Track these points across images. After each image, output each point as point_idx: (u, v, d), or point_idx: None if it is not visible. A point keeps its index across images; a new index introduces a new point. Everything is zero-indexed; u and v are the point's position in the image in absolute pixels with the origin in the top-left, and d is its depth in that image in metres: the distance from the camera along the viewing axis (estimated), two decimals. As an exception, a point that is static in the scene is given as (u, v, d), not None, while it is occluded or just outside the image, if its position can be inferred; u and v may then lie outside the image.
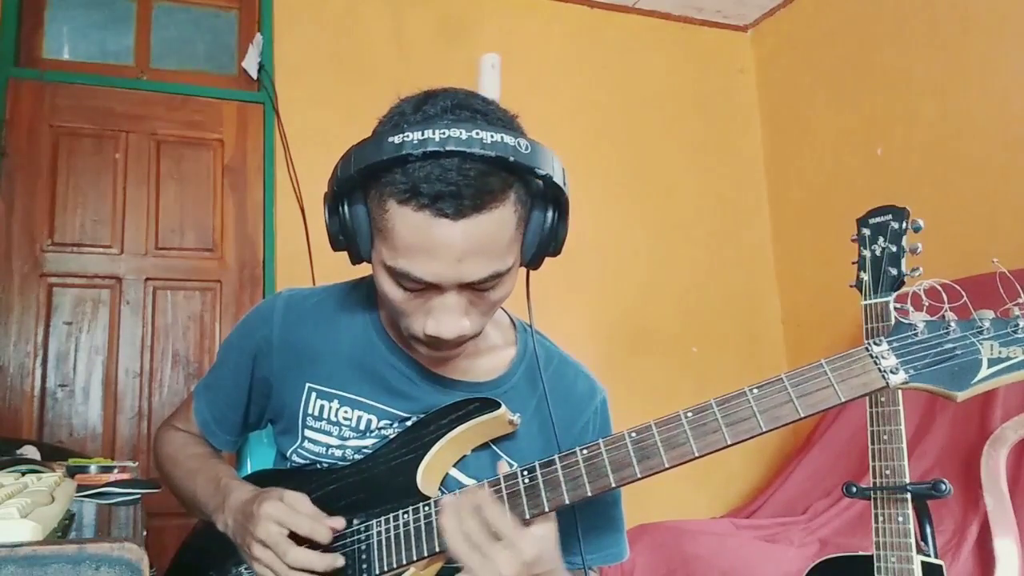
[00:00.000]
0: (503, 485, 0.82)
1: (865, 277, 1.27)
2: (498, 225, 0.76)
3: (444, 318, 0.80)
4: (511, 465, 0.84)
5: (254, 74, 2.80)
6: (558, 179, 0.78)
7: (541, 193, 0.81)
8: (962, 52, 2.57)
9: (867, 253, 1.27)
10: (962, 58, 2.57)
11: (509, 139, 0.74)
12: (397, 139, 0.73)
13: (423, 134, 0.73)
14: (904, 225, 1.23)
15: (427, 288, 0.79)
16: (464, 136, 0.72)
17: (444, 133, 0.72)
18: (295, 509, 0.83)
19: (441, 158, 0.73)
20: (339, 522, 0.85)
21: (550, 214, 0.82)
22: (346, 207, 0.80)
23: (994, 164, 2.46)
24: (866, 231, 1.28)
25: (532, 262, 0.84)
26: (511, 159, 0.74)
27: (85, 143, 2.61)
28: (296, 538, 0.83)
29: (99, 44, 2.77)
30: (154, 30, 2.82)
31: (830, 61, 3.11)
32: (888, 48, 2.85)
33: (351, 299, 1.01)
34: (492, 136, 0.73)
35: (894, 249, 1.23)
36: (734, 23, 3.54)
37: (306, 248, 2.67)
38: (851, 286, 1.29)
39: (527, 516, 0.80)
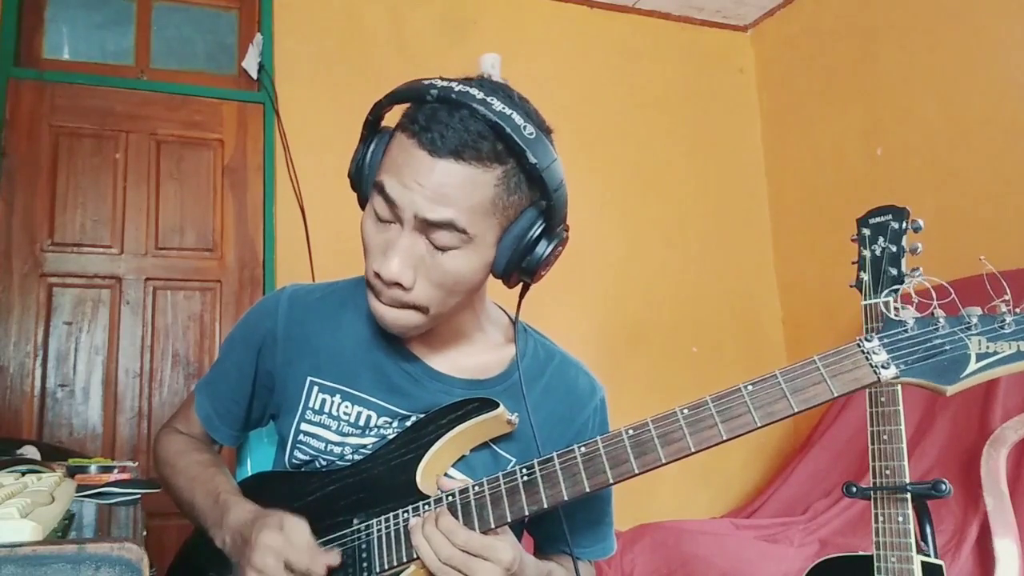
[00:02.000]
0: (502, 482, 0.82)
1: (865, 277, 1.27)
2: (470, 182, 0.79)
3: (392, 257, 0.82)
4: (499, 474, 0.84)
5: (254, 74, 2.80)
6: (548, 179, 0.80)
7: (539, 202, 0.83)
8: (962, 52, 2.57)
9: (867, 253, 1.27)
10: (962, 58, 2.57)
11: (519, 119, 0.78)
12: (427, 81, 0.81)
13: (449, 83, 0.80)
14: (904, 225, 1.23)
15: (390, 222, 0.83)
16: (479, 96, 0.78)
17: (465, 88, 0.79)
18: (292, 542, 0.82)
19: (452, 106, 0.78)
20: (335, 558, 0.85)
21: (538, 225, 0.84)
22: (374, 140, 0.87)
23: (994, 164, 2.46)
24: (866, 231, 1.28)
25: (504, 273, 0.86)
26: (508, 131, 0.77)
27: (85, 143, 2.61)
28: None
29: (99, 44, 2.77)
30: (154, 30, 2.82)
31: (830, 61, 3.11)
32: (888, 48, 2.85)
33: (355, 295, 1.01)
34: (504, 108, 0.78)
35: (894, 249, 1.23)
36: (734, 23, 3.54)
37: (306, 248, 2.67)
38: (851, 286, 1.30)
39: (526, 513, 0.81)
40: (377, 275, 0.84)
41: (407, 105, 0.83)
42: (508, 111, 0.78)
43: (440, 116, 0.78)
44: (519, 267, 0.85)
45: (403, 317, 0.87)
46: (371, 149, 0.86)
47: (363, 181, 0.87)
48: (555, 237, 0.85)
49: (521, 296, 0.92)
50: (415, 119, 0.79)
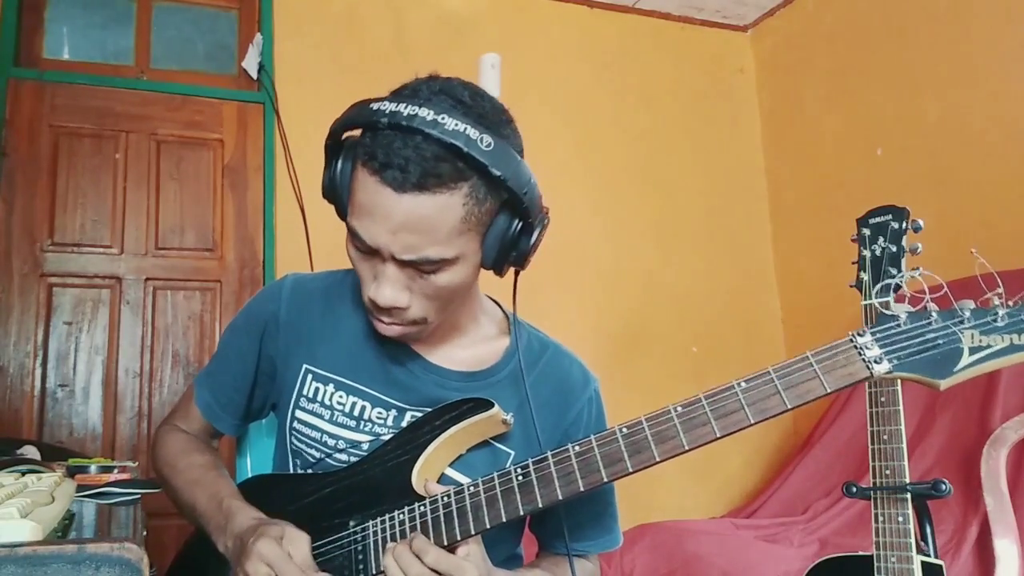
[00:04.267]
0: (497, 483, 0.82)
1: (865, 277, 1.27)
2: (439, 211, 0.78)
3: (383, 285, 0.83)
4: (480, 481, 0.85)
5: (254, 74, 2.80)
6: (514, 185, 0.79)
7: (511, 201, 0.82)
8: (962, 52, 2.57)
9: (867, 253, 1.27)
10: (962, 58, 2.57)
11: (473, 132, 0.76)
12: (376, 106, 0.79)
13: (397, 106, 0.77)
14: (904, 225, 1.23)
15: (373, 254, 0.83)
16: (429, 118, 0.75)
17: (414, 111, 0.76)
18: (288, 556, 0.82)
19: (404, 132, 0.76)
20: None
21: (515, 223, 0.84)
22: (339, 162, 0.85)
23: (994, 164, 2.46)
24: (866, 231, 1.28)
25: (494, 267, 0.87)
26: (465, 150, 0.76)
27: (85, 143, 2.61)
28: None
29: (99, 44, 2.76)
30: (154, 30, 2.82)
31: (830, 61, 3.10)
32: (888, 48, 2.85)
33: (355, 286, 1.01)
34: (457, 125, 0.76)
35: (894, 249, 1.23)
36: (734, 23, 3.54)
37: (306, 248, 2.67)
38: (851, 286, 1.29)
39: (521, 513, 0.81)
40: (372, 301, 0.85)
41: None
42: (461, 127, 0.76)
43: (396, 146, 0.76)
44: (508, 260, 0.87)
45: (404, 331, 0.89)
46: (338, 170, 0.85)
47: (337, 200, 0.87)
48: (536, 226, 0.85)
49: (515, 283, 0.92)
50: (373, 153, 0.77)
